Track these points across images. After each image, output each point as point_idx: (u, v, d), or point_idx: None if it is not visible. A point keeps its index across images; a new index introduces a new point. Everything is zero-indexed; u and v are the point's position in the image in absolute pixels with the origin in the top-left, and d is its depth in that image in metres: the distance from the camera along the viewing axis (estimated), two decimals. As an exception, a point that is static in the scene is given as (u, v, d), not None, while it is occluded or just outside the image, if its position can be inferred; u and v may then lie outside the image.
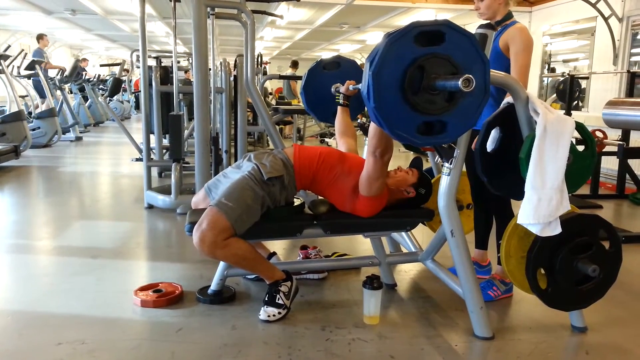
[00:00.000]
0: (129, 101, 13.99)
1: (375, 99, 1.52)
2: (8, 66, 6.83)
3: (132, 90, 12.32)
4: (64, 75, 8.62)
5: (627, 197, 4.75)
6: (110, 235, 3.28)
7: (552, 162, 1.78)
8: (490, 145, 1.98)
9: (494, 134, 1.98)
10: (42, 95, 8.04)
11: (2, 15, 9.76)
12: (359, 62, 2.93)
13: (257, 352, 1.85)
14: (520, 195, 1.86)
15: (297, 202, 2.26)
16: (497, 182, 2.01)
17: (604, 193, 4.95)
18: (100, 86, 11.44)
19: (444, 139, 1.64)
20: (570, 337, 2.03)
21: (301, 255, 2.68)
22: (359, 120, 3.22)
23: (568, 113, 5.16)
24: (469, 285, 1.97)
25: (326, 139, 8.70)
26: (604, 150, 4.38)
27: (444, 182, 1.95)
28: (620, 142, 4.12)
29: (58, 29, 11.87)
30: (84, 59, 13.18)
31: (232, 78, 4.44)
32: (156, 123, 4.79)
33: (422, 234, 2.93)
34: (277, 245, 2.98)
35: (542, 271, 1.91)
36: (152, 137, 4.82)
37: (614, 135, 4.76)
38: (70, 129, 8.51)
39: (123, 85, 9.16)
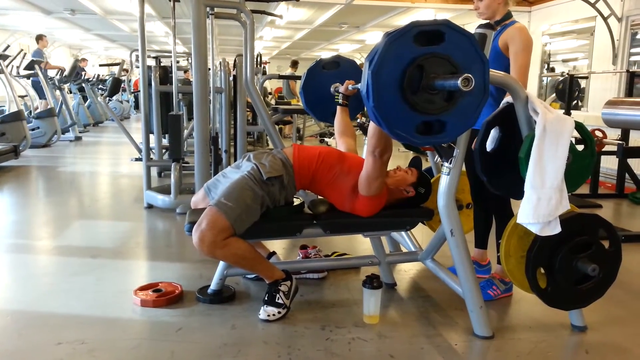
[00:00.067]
0: (128, 101, 13.99)
1: (375, 99, 1.52)
2: (7, 66, 6.83)
3: (132, 90, 12.34)
4: (64, 75, 8.61)
5: (626, 196, 4.75)
6: (110, 235, 3.28)
7: (552, 162, 1.78)
8: (489, 145, 1.98)
9: (493, 133, 1.98)
10: (42, 97, 8.04)
11: (2, 15, 9.75)
12: (358, 62, 2.93)
13: (256, 351, 1.85)
14: (519, 195, 1.86)
15: (296, 201, 2.27)
16: (496, 182, 2.01)
17: (603, 192, 4.95)
18: (100, 86, 11.43)
19: (443, 138, 1.64)
20: (570, 336, 2.03)
21: (301, 255, 2.68)
22: (358, 120, 3.22)
23: (567, 113, 5.15)
24: (469, 285, 1.97)
25: (326, 139, 8.69)
26: (603, 149, 4.37)
27: (444, 182, 1.95)
28: (620, 142, 4.12)
29: (57, 29, 11.86)
30: (83, 59, 13.15)
31: (231, 78, 4.43)
32: (155, 123, 4.80)
33: (421, 233, 2.92)
34: (277, 245, 2.98)
35: (542, 270, 1.91)
36: (152, 137, 4.82)
37: (614, 134, 4.76)
38: (70, 128, 8.51)
39: (122, 85, 9.16)
